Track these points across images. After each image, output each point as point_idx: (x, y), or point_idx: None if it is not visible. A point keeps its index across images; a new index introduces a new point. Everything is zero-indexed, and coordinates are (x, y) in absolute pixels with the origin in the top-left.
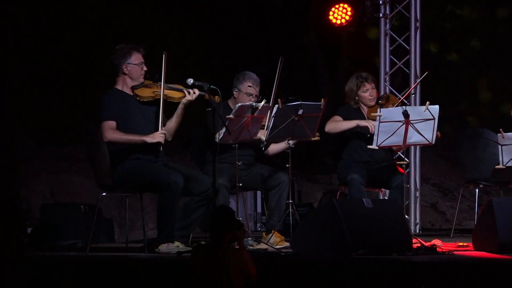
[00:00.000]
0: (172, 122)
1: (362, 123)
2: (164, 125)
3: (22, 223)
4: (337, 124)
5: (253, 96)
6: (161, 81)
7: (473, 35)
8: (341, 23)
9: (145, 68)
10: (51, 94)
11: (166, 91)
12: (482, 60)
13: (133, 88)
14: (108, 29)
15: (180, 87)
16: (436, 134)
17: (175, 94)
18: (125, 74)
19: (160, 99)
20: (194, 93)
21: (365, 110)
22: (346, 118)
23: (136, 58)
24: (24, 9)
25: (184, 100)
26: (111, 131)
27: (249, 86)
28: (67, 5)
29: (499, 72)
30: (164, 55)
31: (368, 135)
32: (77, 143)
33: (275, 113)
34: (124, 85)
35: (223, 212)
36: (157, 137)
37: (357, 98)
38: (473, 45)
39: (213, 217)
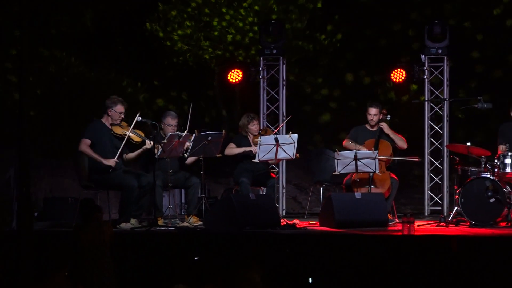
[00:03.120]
0: (133, 156)
1: (247, 149)
2: (121, 156)
3: (31, 210)
4: (232, 150)
5: (173, 125)
6: (131, 126)
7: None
8: (235, 81)
9: (122, 116)
10: (52, 125)
11: (131, 134)
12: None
13: (111, 124)
14: (90, 85)
15: (142, 134)
16: (296, 155)
17: (136, 138)
18: (108, 115)
19: (125, 137)
20: (150, 143)
21: (251, 137)
22: (238, 144)
23: (119, 108)
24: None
25: (144, 148)
26: (84, 146)
27: (169, 121)
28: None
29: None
30: (138, 114)
31: (252, 155)
32: (68, 157)
33: (193, 139)
34: (107, 121)
35: (88, 202)
36: (111, 162)
37: (247, 129)
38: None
39: (83, 206)
